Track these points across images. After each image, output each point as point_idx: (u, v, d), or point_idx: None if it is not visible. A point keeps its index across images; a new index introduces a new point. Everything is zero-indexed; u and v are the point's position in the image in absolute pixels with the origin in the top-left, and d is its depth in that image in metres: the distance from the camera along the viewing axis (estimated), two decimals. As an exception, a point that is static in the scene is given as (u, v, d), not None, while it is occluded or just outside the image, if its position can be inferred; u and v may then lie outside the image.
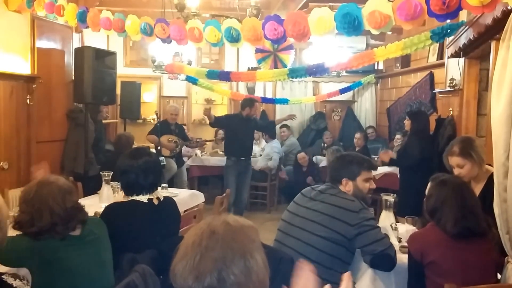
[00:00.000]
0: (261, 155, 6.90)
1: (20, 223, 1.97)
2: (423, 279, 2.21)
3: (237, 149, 5.77)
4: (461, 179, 2.37)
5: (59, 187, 2.03)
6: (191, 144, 6.54)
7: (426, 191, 2.37)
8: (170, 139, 6.03)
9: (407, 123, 4.85)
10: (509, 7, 2.18)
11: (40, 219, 1.94)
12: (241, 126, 5.74)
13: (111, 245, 2.23)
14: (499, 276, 2.27)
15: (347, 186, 2.51)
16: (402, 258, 2.38)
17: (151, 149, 5.15)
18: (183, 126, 6.72)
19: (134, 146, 4.86)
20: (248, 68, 7.63)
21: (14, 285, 1.60)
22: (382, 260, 2.31)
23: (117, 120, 7.47)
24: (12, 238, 2.00)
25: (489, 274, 2.18)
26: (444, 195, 2.22)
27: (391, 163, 5.00)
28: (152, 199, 2.50)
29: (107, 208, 2.53)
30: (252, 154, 6.19)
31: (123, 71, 7.42)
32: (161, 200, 2.56)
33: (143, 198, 2.49)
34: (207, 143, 7.13)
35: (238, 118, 5.80)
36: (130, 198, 2.51)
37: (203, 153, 7.18)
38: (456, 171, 2.77)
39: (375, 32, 2.69)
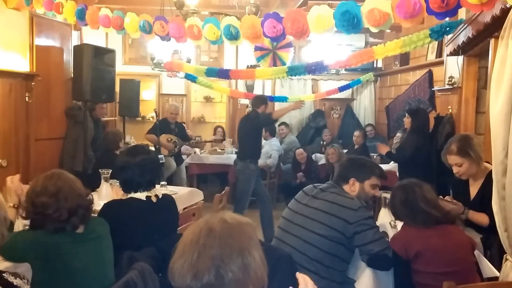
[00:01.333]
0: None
1: (44, 212, 1.99)
2: (411, 279, 2.25)
3: (259, 150, 5.37)
4: (417, 181, 2.44)
5: (74, 178, 2.13)
6: (190, 144, 6.52)
7: None
8: (169, 139, 6.01)
9: (406, 121, 4.84)
10: (508, 5, 2.18)
11: (65, 205, 1.99)
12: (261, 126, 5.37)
13: (110, 243, 2.24)
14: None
15: (353, 187, 2.52)
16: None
17: (150, 147, 5.17)
18: (183, 125, 6.71)
19: (133, 144, 4.84)
20: (247, 66, 7.62)
21: (15, 284, 1.60)
22: (379, 261, 2.31)
23: (116, 118, 7.46)
24: (18, 232, 2.06)
25: (469, 253, 2.30)
26: (394, 199, 2.44)
27: (387, 155, 4.99)
28: (150, 196, 2.51)
29: (105, 205, 2.53)
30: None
31: (122, 68, 7.40)
32: (160, 197, 2.57)
33: (141, 195, 2.50)
34: (206, 143, 7.11)
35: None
36: (129, 195, 2.51)
37: (202, 151, 7.17)
38: (455, 169, 2.79)
39: (374, 30, 2.69)
